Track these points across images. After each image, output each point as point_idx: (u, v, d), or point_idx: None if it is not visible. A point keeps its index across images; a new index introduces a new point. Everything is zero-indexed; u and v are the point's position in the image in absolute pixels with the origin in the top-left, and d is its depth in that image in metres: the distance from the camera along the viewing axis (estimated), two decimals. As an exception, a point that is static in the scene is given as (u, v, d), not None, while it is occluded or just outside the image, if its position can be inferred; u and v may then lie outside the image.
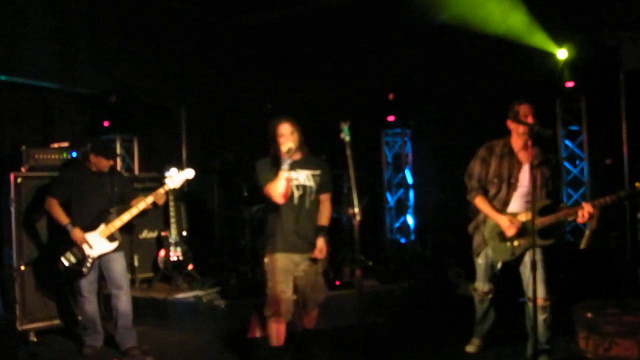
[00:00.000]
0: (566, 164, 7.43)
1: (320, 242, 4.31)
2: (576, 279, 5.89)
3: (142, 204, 4.96)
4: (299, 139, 4.27)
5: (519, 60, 6.99)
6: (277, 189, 4.10)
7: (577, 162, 7.39)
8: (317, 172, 4.35)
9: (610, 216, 6.58)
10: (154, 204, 4.99)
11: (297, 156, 4.24)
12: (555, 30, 6.84)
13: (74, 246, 4.84)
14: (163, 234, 6.90)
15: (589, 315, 3.86)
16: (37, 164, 5.59)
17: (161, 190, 4.98)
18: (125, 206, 5.05)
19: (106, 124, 7.44)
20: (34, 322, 5.41)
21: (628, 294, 5.41)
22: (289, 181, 4.17)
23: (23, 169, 5.52)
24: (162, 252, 6.83)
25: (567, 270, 6.00)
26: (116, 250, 4.97)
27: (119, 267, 4.98)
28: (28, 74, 6.68)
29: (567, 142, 7.42)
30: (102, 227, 4.89)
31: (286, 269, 4.24)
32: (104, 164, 4.98)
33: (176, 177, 5.01)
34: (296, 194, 4.25)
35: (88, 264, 4.86)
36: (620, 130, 6.35)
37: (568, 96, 7.24)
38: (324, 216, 4.42)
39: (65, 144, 5.94)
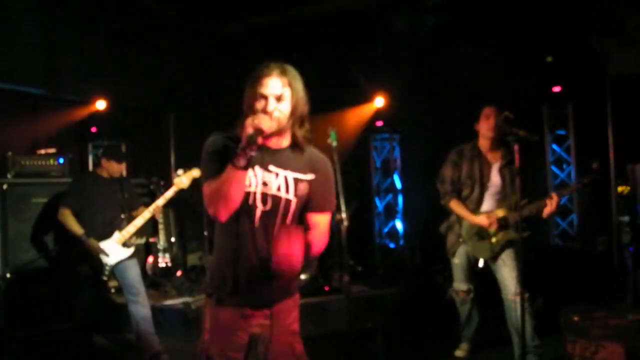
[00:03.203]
0: (553, 168, 7.48)
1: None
2: (564, 283, 5.93)
3: (152, 207, 4.89)
4: (296, 110, 2.48)
5: (507, 65, 7.04)
6: (221, 195, 2.39)
7: (565, 166, 7.45)
8: (309, 176, 2.56)
9: (597, 220, 6.66)
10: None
11: (280, 143, 2.54)
12: (543, 37, 6.89)
13: (90, 256, 4.76)
14: (151, 240, 6.88)
15: (576, 319, 3.89)
16: (23, 170, 5.56)
17: (169, 192, 4.88)
18: (134, 212, 5.01)
19: (94, 130, 7.44)
20: (20, 329, 5.36)
21: (615, 297, 5.45)
22: (246, 183, 2.44)
23: (9, 175, 5.48)
24: (150, 259, 6.80)
25: (554, 274, 6.03)
26: (131, 256, 4.91)
27: (134, 273, 4.90)
28: (15, 79, 6.65)
29: (555, 147, 7.47)
30: (117, 234, 4.82)
31: (228, 327, 2.57)
32: (115, 168, 4.92)
33: (185, 177, 4.88)
34: (259, 208, 2.49)
35: (106, 272, 4.81)
36: (607, 134, 6.41)
37: (555, 101, 7.31)
38: (315, 243, 2.71)
39: (52, 151, 5.91)
